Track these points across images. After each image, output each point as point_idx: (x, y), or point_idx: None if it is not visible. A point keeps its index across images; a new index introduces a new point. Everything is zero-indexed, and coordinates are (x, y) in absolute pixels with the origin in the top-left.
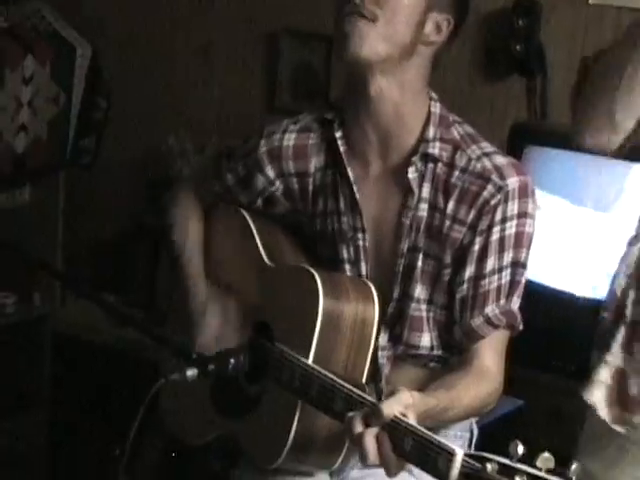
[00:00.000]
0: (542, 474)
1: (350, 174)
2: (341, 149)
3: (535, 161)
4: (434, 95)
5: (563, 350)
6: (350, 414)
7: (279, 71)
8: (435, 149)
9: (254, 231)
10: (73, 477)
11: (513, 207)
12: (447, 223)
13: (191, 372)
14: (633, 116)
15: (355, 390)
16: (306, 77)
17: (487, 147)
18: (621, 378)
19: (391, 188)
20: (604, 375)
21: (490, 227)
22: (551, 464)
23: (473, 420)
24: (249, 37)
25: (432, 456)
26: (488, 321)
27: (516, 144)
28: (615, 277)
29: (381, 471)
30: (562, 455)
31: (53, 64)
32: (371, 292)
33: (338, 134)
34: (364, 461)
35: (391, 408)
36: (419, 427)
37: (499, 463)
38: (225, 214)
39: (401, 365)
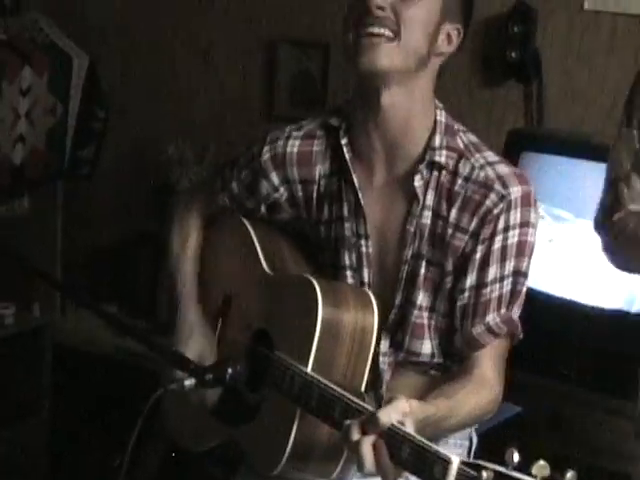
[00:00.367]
0: None
1: (355, 181)
2: (347, 156)
3: (532, 167)
4: (439, 104)
5: (562, 356)
6: (347, 422)
7: (277, 79)
8: (442, 157)
9: (255, 240)
10: None
11: (516, 216)
12: (449, 231)
13: (189, 382)
14: None
15: (353, 398)
16: (304, 85)
17: (490, 156)
18: None
19: (396, 195)
20: None
21: (492, 236)
22: (546, 472)
23: (472, 429)
24: (248, 45)
25: (428, 464)
26: (489, 329)
27: (513, 150)
28: None
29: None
30: (560, 461)
31: (50, 75)
32: (370, 301)
33: (344, 141)
34: (361, 469)
35: (388, 416)
36: (416, 435)
37: (495, 471)
38: (227, 223)
39: (402, 372)
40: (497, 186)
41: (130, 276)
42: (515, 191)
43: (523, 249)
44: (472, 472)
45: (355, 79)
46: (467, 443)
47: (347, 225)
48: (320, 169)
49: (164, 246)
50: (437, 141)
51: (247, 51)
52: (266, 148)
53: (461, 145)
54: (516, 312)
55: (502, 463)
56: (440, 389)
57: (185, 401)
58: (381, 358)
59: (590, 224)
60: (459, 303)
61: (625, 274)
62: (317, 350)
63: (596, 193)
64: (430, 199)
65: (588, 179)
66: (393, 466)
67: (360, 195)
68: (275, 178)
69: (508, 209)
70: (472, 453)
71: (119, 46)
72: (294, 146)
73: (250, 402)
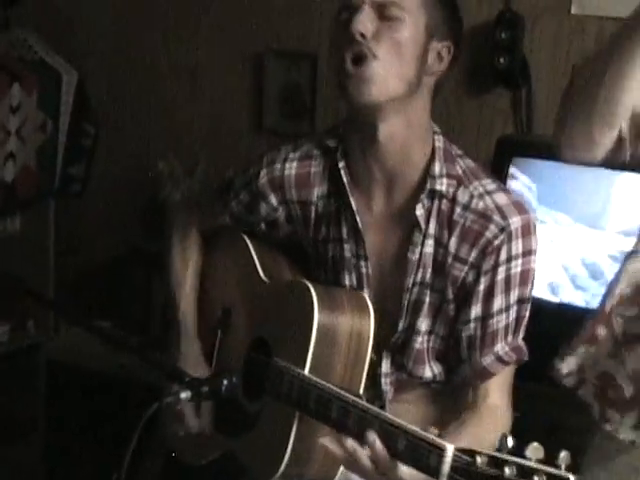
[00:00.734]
0: (532, 464)
1: (353, 204)
2: (344, 179)
3: (522, 173)
4: (437, 128)
5: None
6: (349, 441)
7: (266, 91)
8: (443, 185)
9: (252, 252)
10: None
11: (517, 246)
12: (449, 260)
13: (185, 394)
14: (611, 130)
15: (351, 396)
16: (293, 96)
17: (489, 184)
18: (608, 380)
19: (395, 222)
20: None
21: (495, 267)
22: (541, 454)
23: None
24: (235, 58)
25: (424, 453)
26: (499, 359)
27: (503, 157)
28: (609, 290)
29: None
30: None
31: (40, 92)
32: (367, 304)
33: (341, 164)
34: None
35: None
36: (411, 426)
37: (489, 456)
38: (225, 236)
39: (404, 387)
40: (496, 217)
41: (123, 292)
42: (515, 221)
43: (527, 277)
44: (467, 458)
45: (348, 110)
46: None
47: (346, 247)
48: (318, 190)
49: (164, 266)
50: (437, 169)
51: (235, 63)
52: (263, 172)
53: (460, 172)
54: (521, 337)
55: (496, 449)
56: (460, 431)
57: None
58: (383, 379)
59: (582, 228)
60: (464, 334)
61: None
62: (314, 354)
63: (586, 197)
64: (432, 227)
65: (577, 183)
66: (390, 460)
67: (358, 219)
68: (274, 200)
69: (509, 240)
70: None
71: (107, 62)
72: (292, 168)
73: (249, 412)
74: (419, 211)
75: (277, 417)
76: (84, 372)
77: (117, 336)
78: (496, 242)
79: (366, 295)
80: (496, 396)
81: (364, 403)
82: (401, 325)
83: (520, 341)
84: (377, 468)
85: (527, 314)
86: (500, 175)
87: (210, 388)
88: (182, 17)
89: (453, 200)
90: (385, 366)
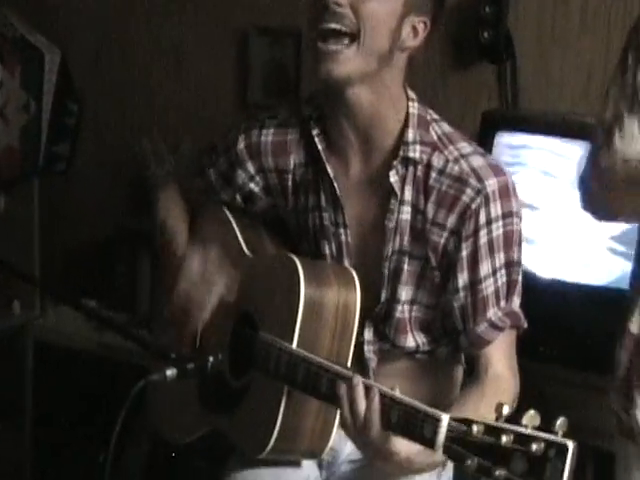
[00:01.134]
0: (528, 431)
1: (330, 171)
2: (319, 146)
3: (507, 147)
4: (412, 95)
5: (549, 337)
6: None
7: (250, 68)
8: (415, 152)
9: (235, 227)
10: None
11: (496, 208)
12: (427, 226)
13: (170, 372)
14: None
15: (340, 368)
16: (277, 73)
17: (464, 147)
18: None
19: (373, 189)
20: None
21: (476, 231)
22: (537, 421)
23: None
24: (219, 35)
25: (418, 425)
26: (492, 325)
27: (488, 131)
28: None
29: (370, 468)
30: None
31: (22, 72)
32: (352, 277)
33: (315, 131)
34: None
35: None
36: (403, 397)
37: (485, 424)
38: (206, 212)
39: (388, 358)
40: (472, 180)
41: (109, 270)
42: (491, 183)
43: (510, 239)
44: (463, 427)
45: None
46: None
47: (325, 215)
48: (295, 158)
49: (146, 237)
50: (410, 135)
51: (219, 40)
52: (241, 137)
53: (434, 137)
54: (516, 302)
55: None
56: (463, 403)
57: (170, 392)
58: (365, 347)
59: (571, 200)
60: (456, 304)
61: (609, 254)
62: (301, 328)
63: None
64: (408, 194)
65: (563, 157)
66: (381, 430)
67: (335, 185)
68: (251, 167)
69: (487, 203)
70: None
71: (91, 40)
72: (268, 135)
73: (235, 388)
74: (393, 178)
75: (265, 392)
76: (71, 352)
77: (103, 315)
78: (473, 206)
79: (352, 269)
80: (499, 364)
81: (354, 375)
82: (383, 295)
83: (515, 306)
84: (367, 430)
85: (519, 278)
86: (485, 150)
87: (196, 365)
88: None
89: (428, 166)
90: (368, 334)
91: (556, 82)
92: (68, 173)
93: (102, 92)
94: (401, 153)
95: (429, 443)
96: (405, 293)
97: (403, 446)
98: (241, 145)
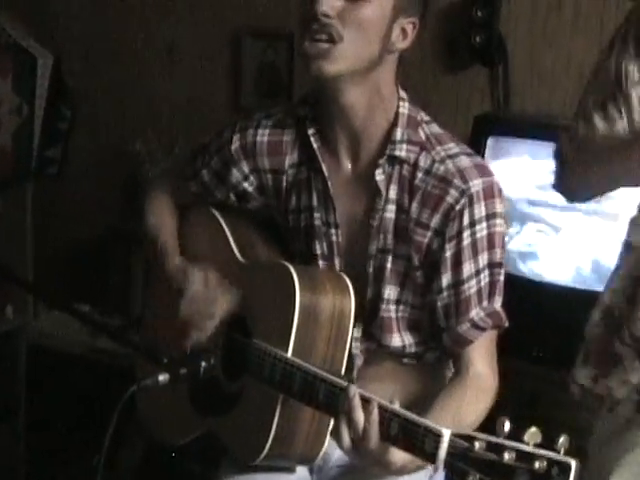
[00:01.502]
0: (530, 448)
1: (324, 169)
2: (314, 145)
3: (499, 150)
4: (403, 94)
5: (540, 339)
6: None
7: (243, 70)
8: (402, 152)
9: (226, 230)
10: None
11: (480, 210)
12: (411, 225)
13: (163, 377)
14: None
15: (337, 379)
16: (270, 75)
17: (452, 148)
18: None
19: (361, 188)
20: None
21: (460, 232)
22: (538, 438)
23: None
24: (212, 37)
25: (419, 439)
26: (474, 325)
27: (481, 134)
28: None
29: (360, 472)
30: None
31: (14, 76)
32: (347, 284)
33: (310, 131)
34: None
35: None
36: (405, 411)
37: (487, 441)
38: (197, 215)
39: (374, 360)
40: (457, 181)
41: (102, 273)
42: (476, 184)
43: (493, 241)
44: (464, 443)
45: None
46: None
47: (317, 215)
48: (289, 159)
49: (139, 237)
50: (398, 134)
51: (212, 43)
52: (236, 137)
53: (423, 137)
54: (498, 302)
55: (493, 433)
56: (442, 402)
57: (163, 395)
58: (353, 343)
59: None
60: (439, 303)
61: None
62: (296, 336)
63: None
64: (393, 193)
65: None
66: (380, 442)
67: (329, 184)
68: (245, 167)
69: (471, 204)
70: None
71: (84, 44)
72: (264, 135)
73: (229, 391)
74: (379, 176)
75: (260, 397)
76: (65, 357)
77: (97, 320)
78: (458, 207)
79: (345, 276)
80: (479, 363)
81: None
82: (369, 294)
83: (497, 307)
84: (366, 442)
85: (501, 278)
86: (477, 153)
87: (188, 370)
88: None
89: (415, 165)
90: (357, 332)
91: (548, 84)
92: (61, 176)
93: (95, 94)
94: (388, 152)
95: (430, 458)
96: (390, 292)
97: (400, 456)
98: (236, 145)
